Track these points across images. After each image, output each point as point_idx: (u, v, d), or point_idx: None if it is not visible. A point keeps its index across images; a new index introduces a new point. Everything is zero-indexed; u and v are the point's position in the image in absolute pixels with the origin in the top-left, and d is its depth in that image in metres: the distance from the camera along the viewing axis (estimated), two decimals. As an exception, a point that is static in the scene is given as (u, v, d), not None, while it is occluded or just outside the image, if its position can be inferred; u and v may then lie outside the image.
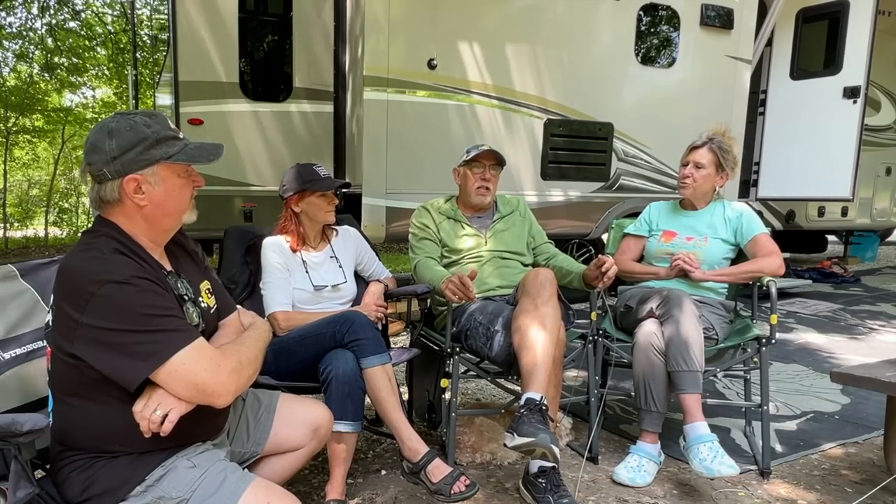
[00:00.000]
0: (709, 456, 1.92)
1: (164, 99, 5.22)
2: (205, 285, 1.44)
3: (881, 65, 5.81)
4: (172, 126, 1.29)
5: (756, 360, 2.30)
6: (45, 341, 1.39)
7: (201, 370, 1.16)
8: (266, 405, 1.56)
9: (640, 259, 2.62)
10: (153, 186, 1.25)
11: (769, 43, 5.43)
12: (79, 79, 12.87)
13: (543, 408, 1.77)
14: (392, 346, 2.53)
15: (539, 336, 1.88)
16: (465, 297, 1.97)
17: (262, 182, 4.45)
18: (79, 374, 1.16)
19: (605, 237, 4.53)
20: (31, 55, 12.00)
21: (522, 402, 1.80)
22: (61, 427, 1.23)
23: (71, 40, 11.97)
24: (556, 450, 1.69)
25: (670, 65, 4.87)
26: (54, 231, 14.28)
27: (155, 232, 1.30)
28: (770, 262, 2.38)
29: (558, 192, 4.56)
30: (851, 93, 5.00)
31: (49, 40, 11.71)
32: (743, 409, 2.62)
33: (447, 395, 2.14)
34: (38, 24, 11.62)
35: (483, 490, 2.05)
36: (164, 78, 5.76)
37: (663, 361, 2.12)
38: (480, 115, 4.21)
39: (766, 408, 2.20)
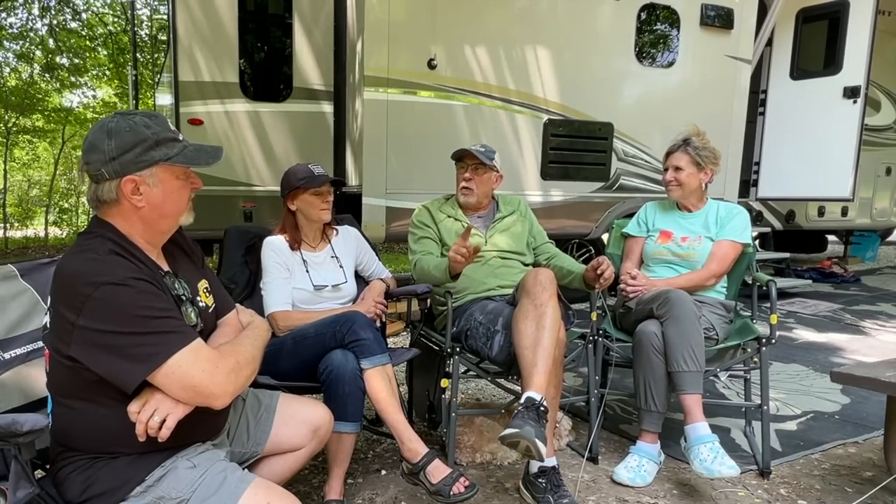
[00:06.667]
0: (709, 456, 1.92)
1: (164, 99, 5.23)
2: (203, 284, 1.44)
3: (881, 65, 5.81)
4: (172, 127, 1.29)
5: (756, 360, 2.29)
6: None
7: (198, 372, 1.16)
8: (266, 405, 1.55)
9: (640, 260, 2.62)
10: (151, 188, 1.24)
11: (769, 43, 5.43)
12: (79, 79, 12.87)
13: (542, 408, 1.77)
14: (392, 346, 2.53)
15: (539, 336, 1.87)
16: (471, 253, 1.96)
17: (262, 182, 4.45)
18: (77, 376, 1.16)
19: (605, 237, 4.54)
20: (31, 55, 12.01)
21: (522, 400, 1.80)
22: (60, 428, 1.23)
23: (73, 41, 11.98)
24: (541, 445, 1.68)
25: (670, 65, 4.87)
26: (54, 231, 14.29)
27: (152, 233, 1.30)
28: (701, 273, 2.40)
29: (558, 192, 4.56)
30: (851, 93, 5.00)
31: (50, 41, 11.72)
32: (743, 409, 2.62)
33: (447, 395, 2.14)
34: (38, 25, 11.64)
35: (483, 490, 2.05)
36: (164, 78, 5.76)
37: (663, 361, 2.12)
38: (480, 115, 4.21)
39: (766, 408, 2.20)
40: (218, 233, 2.46)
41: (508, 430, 1.72)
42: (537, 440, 1.68)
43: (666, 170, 2.52)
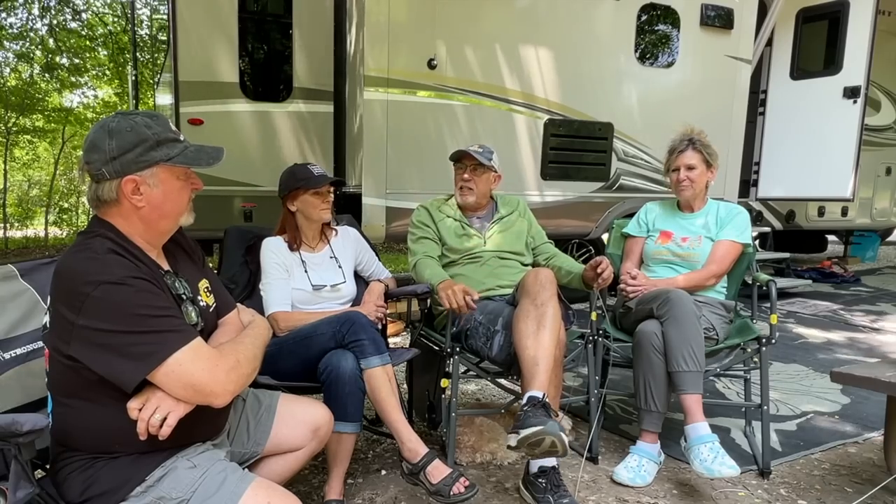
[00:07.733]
0: (709, 456, 1.92)
1: (164, 99, 5.23)
2: (203, 284, 1.44)
3: (881, 65, 5.81)
4: (173, 128, 1.29)
5: (756, 359, 2.30)
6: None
7: (198, 370, 1.16)
8: (266, 405, 1.55)
9: (640, 260, 2.62)
10: (152, 188, 1.24)
11: (769, 43, 5.43)
12: (79, 79, 12.88)
13: (546, 404, 1.76)
14: (392, 346, 2.53)
15: (539, 335, 1.87)
16: (460, 307, 1.95)
17: (262, 182, 4.44)
18: (77, 375, 1.16)
19: (605, 237, 4.54)
20: (31, 55, 12.01)
21: (524, 400, 1.79)
22: (61, 428, 1.23)
23: (73, 41, 11.98)
24: (566, 438, 1.67)
25: (670, 65, 4.87)
26: (54, 231, 14.28)
27: (151, 233, 1.30)
28: (701, 273, 2.40)
29: (558, 192, 4.56)
30: (851, 93, 5.01)
31: (50, 41, 11.72)
32: (743, 409, 2.63)
33: (447, 395, 2.14)
34: (38, 25, 11.64)
35: (483, 490, 2.05)
36: (164, 78, 5.76)
37: (663, 361, 2.12)
38: (480, 115, 4.20)
39: (766, 408, 2.20)
40: (218, 233, 2.45)
41: (529, 430, 1.65)
42: (562, 434, 1.65)
43: (675, 170, 2.50)
